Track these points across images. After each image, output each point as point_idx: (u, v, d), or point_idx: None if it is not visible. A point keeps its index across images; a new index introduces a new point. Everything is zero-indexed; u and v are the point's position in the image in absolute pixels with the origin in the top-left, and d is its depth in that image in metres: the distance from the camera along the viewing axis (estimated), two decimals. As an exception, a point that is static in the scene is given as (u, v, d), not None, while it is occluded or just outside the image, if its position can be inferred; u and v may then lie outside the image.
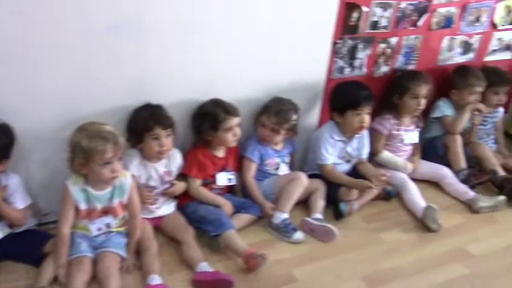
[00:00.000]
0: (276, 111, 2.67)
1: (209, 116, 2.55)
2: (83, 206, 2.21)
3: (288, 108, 2.70)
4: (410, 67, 3.11)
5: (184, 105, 2.59)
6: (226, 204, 2.59)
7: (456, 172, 3.12)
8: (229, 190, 2.73)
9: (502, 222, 2.91)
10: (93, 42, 2.24)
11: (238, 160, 2.75)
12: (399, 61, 3.06)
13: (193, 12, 2.39)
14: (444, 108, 3.22)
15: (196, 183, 2.59)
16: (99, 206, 2.24)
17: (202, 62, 2.52)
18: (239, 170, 2.75)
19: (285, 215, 2.62)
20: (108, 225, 2.29)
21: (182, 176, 2.59)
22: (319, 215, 2.70)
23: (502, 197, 2.98)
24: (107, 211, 2.27)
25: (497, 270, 2.55)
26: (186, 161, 2.58)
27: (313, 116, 2.99)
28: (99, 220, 2.26)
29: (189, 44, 2.46)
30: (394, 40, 2.96)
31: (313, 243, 2.61)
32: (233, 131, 2.57)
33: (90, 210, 2.23)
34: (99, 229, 2.27)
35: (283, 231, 2.59)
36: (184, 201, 2.60)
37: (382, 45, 2.94)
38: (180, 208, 2.60)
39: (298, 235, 2.58)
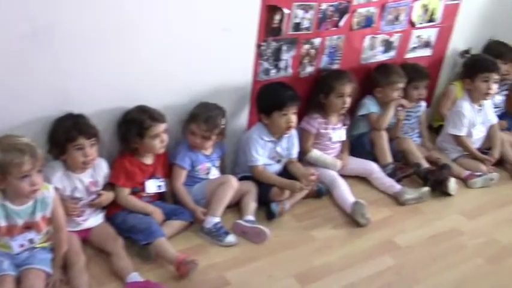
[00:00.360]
0: (205, 119, 2.66)
1: (135, 123, 2.52)
2: (2, 223, 2.11)
3: (216, 113, 2.70)
4: (335, 67, 3.18)
5: (108, 113, 2.55)
6: (156, 212, 2.56)
7: (383, 167, 3.22)
8: (159, 197, 2.70)
9: (426, 213, 3.03)
10: (7, 51, 2.15)
11: (167, 166, 2.72)
12: (324, 61, 3.12)
13: (114, 19, 2.36)
14: (369, 106, 3.32)
15: (125, 192, 2.54)
16: (20, 222, 2.15)
17: (125, 69, 2.49)
18: (169, 176, 2.72)
19: (217, 219, 2.62)
20: (31, 241, 2.20)
21: (110, 185, 2.53)
22: (250, 217, 2.72)
23: (426, 189, 3.11)
24: (29, 226, 2.18)
25: (422, 259, 2.65)
26: (113, 169, 2.53)
27: (242, 118, 3.01)
28: (21, 236, 2.17)
29: (111, 50, 2.42)
30: (317, 41, 3.02)
31: (245, 245, 2.62)
32: (160, 138, 2.55)
33: (11, 226, 2.14)
34: (22, 246, 2.18)
35: (215, 235, 2.59)
36: (113, 211, 2.55)
37: (306, 46, 2.99)
38: (108, 219, 2.54)
39: (230, 238, 2.59)
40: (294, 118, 2.82)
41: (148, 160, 2.62)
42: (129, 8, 2.37)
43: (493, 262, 2.67)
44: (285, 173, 2.96)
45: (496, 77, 3.34)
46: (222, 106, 2.75)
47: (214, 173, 2.82)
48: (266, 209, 2.81)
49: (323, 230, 2.79)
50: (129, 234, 2.47)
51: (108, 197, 2.49)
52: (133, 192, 2.58)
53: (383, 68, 3.29)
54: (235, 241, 2.60)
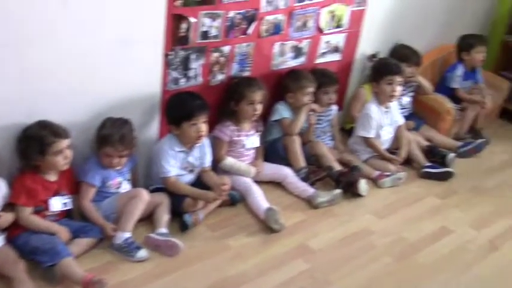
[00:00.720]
0: (119, 139, 2.58)
1: (35, 139, 2.40)
2: None
3: (127, 129, 2.64)
4: (246, 74, 3.19)
5: (7, 129, 2.42)
6: (62, 231, 2.45)
7: (296, 171, 3.26)
8: (65, 215, 2.59)
9: (339, 214, 3.10)
10: None
11: (73, 182, 2.62)
12: (234, 68, 3.12)
13: (11, 33, 2.24)
14: (282, 111, 3.35)
15: (26, 211, 2.42)
16: None
17: (24, 84, 2.38)
18: (75, 192, 2.62)
19: (127, 234, 2.56)
20: None
21: (10, 205, 2.40)
22: (163, 230, 2.67)
23: (338, 191, 3.18)
24: None
25: (335, 261, 2.71)
26: (13, 189, 2.41)
27: (153, 129, 2.95)
28: None
29: (8, 65, 2.30)
30: (226, 48, 3.01)
31: (158, 259, 2.57)
32: (63, 154, 2.45)
33: None
34: None
35: (126, 251, 2.52)
36: (15, 232, 2.41)
37: (215, 54, 2.98)
38: (10, 241, 2.40)
39: (142, 253, 2.53)
40: (204, 127, 2.80)
41: (52, 177, 2.51)
42: (28, 21, 2.26)
43: (400, 260, 2.77)
44: (199, 182, 2.94)
45: (399, 79, 3.47)
46: (128, 118, 2.68)
47: (126, 187, 2.75)
48: (180, 221, 2.77)
49: (238, 238, 2.79)
50: (32, 256, 2.35)
51: (7, 218, 2.35)
52: (37, 212, 2.46)
53: (293, 73, 3.34)
54: (147, 256, 2.54)
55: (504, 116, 4.61)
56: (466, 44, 4.15)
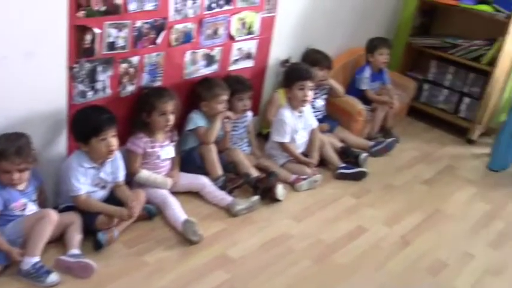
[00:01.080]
0: (15, 152, 2.42)
1: None
2: None
3: (23, 141, 2.49)
4: (157, 84, 3.13)
5: None
6: (-39, 261, 2.30)
7: (214, 180, 3.24)
8: (-34, 243, 2.42)
9: (258, 221, 3.10)
10: None
11: (-28, 208, 2.46)
12: (145, 79, 3.05)
13: None
14: (197, 120, 3.32)
15: None
16: None
17: None
18: (-24, 218, 2.46)
19: (36, 259, 2.42)
20: None
21: None
22: (75, 251, 2.56)
23: (255, 197, 3.18)
24: None
25: (255, 269, 2.72)
26: None
27: (60, 145, 2.81)
28: None
29: None
30: (135, 59, 2.93)
31: (71, 282, 2.45)
32: (-41, 177, 2.28)
33: None
34: None
35: (35, 276, 2.39)
36: None
37: (124, 65, 2.90)
38: None
39: (53, 277, 2.40)
40: (114, 141, 2.71)
41: None
42: None
43: (319, 262, 2.82)
44: (112, 198, 2.84)
45: (310, 84, 3.53)
46: (26, 132, 2.53)
47: (32, 208, 2.60)
48: (93, 239, 2.67)
49: (155, 253, 2.72)
50: None
51: None
52: None
53: (205, 82, 3.32)
54: (59, 280, 2.42)
55: (412, 114, 4.85)
56: (370, 46, 4.32)
